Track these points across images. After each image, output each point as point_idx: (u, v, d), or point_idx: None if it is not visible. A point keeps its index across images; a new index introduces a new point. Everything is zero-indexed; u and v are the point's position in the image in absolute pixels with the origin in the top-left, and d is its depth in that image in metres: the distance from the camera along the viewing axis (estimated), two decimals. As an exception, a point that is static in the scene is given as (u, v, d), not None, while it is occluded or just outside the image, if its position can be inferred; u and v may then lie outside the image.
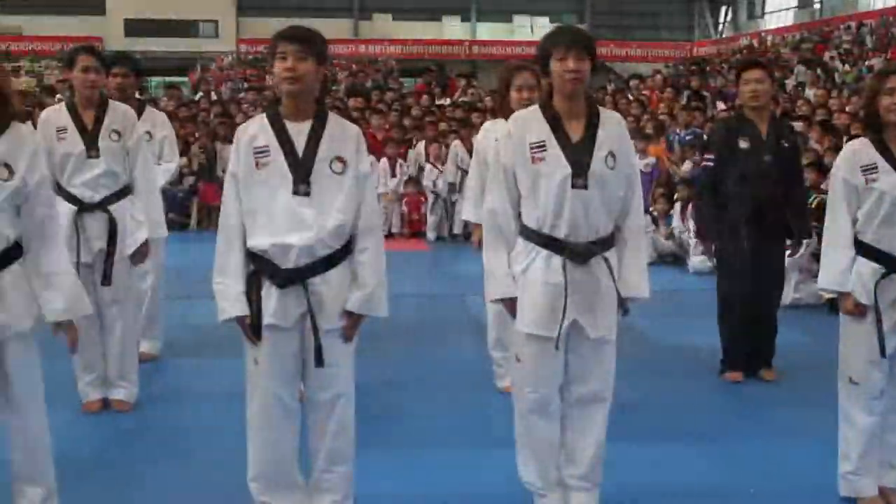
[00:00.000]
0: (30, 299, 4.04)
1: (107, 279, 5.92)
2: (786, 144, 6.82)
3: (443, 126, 15.54)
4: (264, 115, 4.19)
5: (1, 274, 3.95)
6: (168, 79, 36.32)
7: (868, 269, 4.49)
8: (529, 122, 4.25)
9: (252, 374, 4.16)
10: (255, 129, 4.10)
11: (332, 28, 40.15)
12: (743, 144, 6.72)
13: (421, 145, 15.02)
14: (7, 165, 3.92)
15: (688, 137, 14.31)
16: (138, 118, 6.38)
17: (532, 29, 41.10)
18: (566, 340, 4.23)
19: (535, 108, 4.32)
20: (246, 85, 27.63)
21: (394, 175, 14.56)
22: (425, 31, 41.58)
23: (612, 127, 4.26)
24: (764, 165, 6.68)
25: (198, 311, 8.43)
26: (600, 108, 4.32)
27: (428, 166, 14.63)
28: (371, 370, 5.81)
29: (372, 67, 32.03)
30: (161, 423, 6.00)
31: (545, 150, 4.16)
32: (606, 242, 4.24)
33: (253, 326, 4.06)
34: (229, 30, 41.31)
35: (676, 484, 5.00)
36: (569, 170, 4.13)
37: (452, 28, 42.94)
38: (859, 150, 4.57)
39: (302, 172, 4.02)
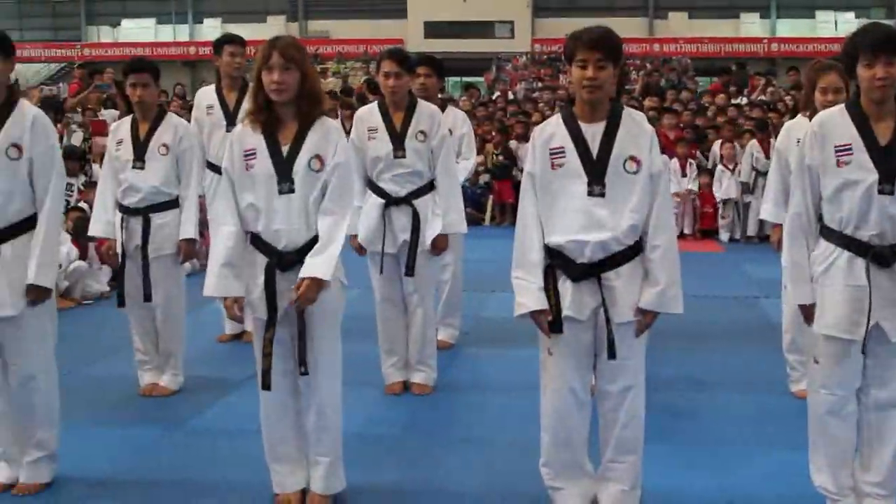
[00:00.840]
0: (336, 282, 4.43)
1: (410, 270, 6.25)
2: None
3: (738, 126, 15.22)
4: (559, 115, 4.31)
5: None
6: (464, 79, 37.30)
7: None
8: (835, 123, 4.14)
9: (546, 364, 4.30)
10: (551, 130, 4.21)
11: (626, 27, 39.83)
12: None
13: (716, 145, 14.79)
14: (319, 157, 4.33)
15: None
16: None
17: (836, 25, 39.36)
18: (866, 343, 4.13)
19: (842, 107, 4.21)
20: (540, 84, 27.97)
21: (684, 175, 14.39)
22: (722, 29, 40.57)
23: None
24: None
25: (493, 303, 8.73)
26: (912, 108, 4.16)
27: (719, 168, 14.33)
28: (662, 367, 5.85)
29: (667, 66, 31.71)
30: (457, 408, 6.27)
31: (851, 154, 4.06)
32: None
33: (550, 321, 4.18)
34: (524, 30, 41.76)
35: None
36: (875, 175, 4.00)
37: (750, 25, 41.68)
38: None
39: (596, 173, 4.10)
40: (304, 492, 4.60)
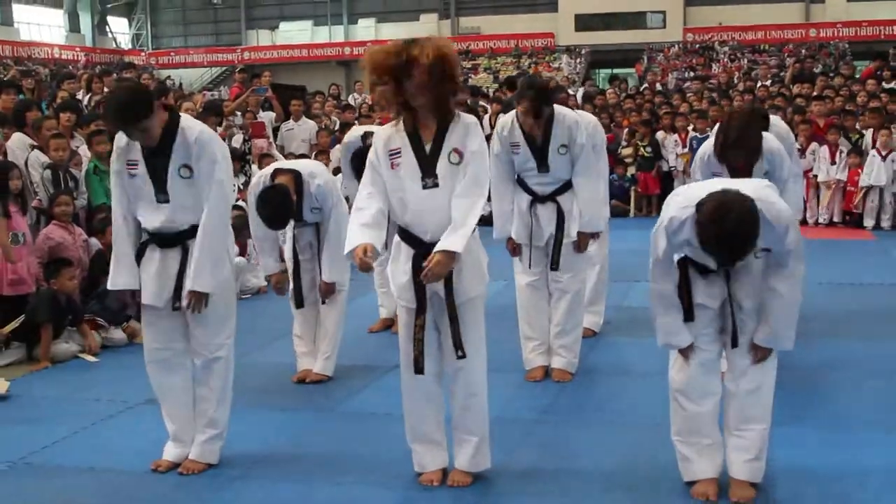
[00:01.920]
0: (480, 271, 4.69)
1: (555, 264, 6.46)
2: None
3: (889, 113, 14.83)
4: None
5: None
6: (614, 70, 37.16)
7: None
8: None
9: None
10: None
11: (782, 13, 39.04)
12: None
13: (869, 133, 14.45)
14: (457, 150, 4.51)
15: None
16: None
17: None
18: None
19: None
20: (692, 74, 27.72)
21: (833, 162, 14.12)
22: (883, 10, 39.09)
23: None
24: None
25: (636, 293, 8.84)
26: None
27: (871, 154, 13.96)
28: (804, 350, 5.84)
29: (824, 51, 30.99)
30: (594, 392, 6.42)
31: None
32: None
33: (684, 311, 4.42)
34: (676, 20, 41.21)
35: None
36: None
37: (915, 5, 40.10)
38: None
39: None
40: (444, 471, 4.85)
